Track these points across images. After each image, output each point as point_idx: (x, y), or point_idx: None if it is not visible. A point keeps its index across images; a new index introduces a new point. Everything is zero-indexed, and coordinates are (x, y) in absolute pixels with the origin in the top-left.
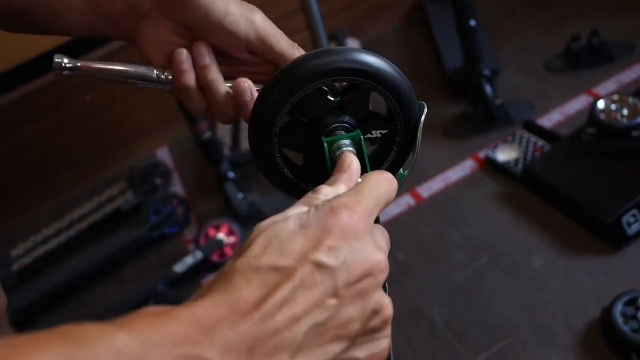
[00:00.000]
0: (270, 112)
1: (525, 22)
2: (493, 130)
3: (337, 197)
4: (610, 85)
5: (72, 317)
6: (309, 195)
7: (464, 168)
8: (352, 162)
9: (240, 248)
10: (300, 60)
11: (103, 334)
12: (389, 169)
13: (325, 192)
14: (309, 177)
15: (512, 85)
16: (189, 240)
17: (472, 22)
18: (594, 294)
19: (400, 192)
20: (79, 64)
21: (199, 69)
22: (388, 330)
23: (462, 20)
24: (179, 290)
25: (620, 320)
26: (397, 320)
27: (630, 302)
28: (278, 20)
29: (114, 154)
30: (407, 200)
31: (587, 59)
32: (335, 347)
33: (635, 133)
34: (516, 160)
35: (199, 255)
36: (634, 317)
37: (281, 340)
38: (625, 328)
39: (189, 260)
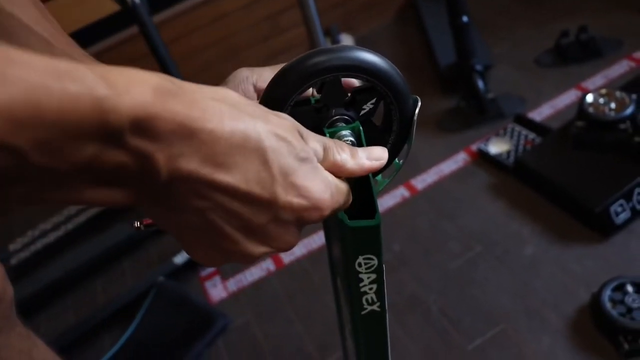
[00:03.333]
0: (275, 105)
1: (517, 19)
2: (485, 123)
3: (334, 178)
4: (598, 79)
5: (72, 311)
6: (335, 144)
7: (457, 161)
8: (382, 156)
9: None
10: (302, 58)
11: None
12: None
13: (345, 156)
14: None
15: (504, 80)
16: None
17: (465, 19)
18: (583, 281)
19: (395, 184)
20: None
21: None
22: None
23: (455, 16)
24: (179, 281)
25: (608, 305)
26: (394, 308)
27: (618, 288)
28: (274, 16)
29: None
30: (402, 192)
31: (576, 54)
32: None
33: (622, 126)
34: (508, 153)
35: None
36: (622, 302)
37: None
38: (614, 312)
39: None
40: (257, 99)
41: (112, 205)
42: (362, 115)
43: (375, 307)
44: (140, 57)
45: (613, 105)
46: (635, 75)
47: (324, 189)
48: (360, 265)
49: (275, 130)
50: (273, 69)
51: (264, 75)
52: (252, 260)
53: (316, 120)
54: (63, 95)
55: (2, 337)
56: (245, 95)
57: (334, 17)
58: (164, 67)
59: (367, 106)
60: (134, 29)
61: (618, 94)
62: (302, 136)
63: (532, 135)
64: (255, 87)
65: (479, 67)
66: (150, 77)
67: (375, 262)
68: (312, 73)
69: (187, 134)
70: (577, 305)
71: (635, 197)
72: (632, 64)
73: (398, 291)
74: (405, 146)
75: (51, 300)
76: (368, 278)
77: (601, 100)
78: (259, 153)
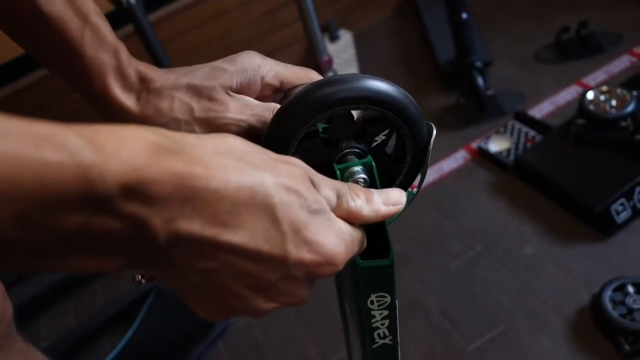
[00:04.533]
0: (283, 140)
1: (516, 14)
2: (485, 121)
3: (349, 227)
4: (599, 75)
5: (73, 314)
6: (349, 189)
7: (457, 159)
8: (399, 201)
9: (269, 154)
10: (310, 89)
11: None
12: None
13: (360, 203)
14: None
15: (504, 77)
16: None
17: (464, 15)
18: (584, 281)
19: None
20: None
21: None
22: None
23: (454, 13)
24: None
25: (609, 305)
26: None
27: (619, 288)
28: (272, 12)
29: None
30: None
31: (577, 50)
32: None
33: (623, 123)
34: (508, 151)
35: None
36: (622, 303)
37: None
38: (614, 313)
39: None
40: (259, 90)
41: (102, 272)
42: (373, 147)
43: (387, 341)
44: (135, 55)
45: (614, 102)
46: (636, 71)
47: (338, 242)
48: (372, 302)
49: (285, 182)
50: (286, 67)
51: (275, 70)
52: (261, 315)
53: (325, 154)
54: (41, 167)
55: (3, 354)
56: (250, 86)
57: (332, 12)
58: (159, 66)
59: (379, 137)
60: (129, 27)
61: (619, 91)
62: (314, 184)
63: (532, 133)
64: (263, 79)
65: (478, 64)
66: (145, 134)
67: (388, 299)
68: (320, 106)
69: (188, 195)
70: (577, 305)
71: (636, 196)
72: (633, 59)
73: (400, 293)
74: (419, 176)
75: (51, 302)
76: (380, 314)
77: (602, 98)
78: (267, 210)
